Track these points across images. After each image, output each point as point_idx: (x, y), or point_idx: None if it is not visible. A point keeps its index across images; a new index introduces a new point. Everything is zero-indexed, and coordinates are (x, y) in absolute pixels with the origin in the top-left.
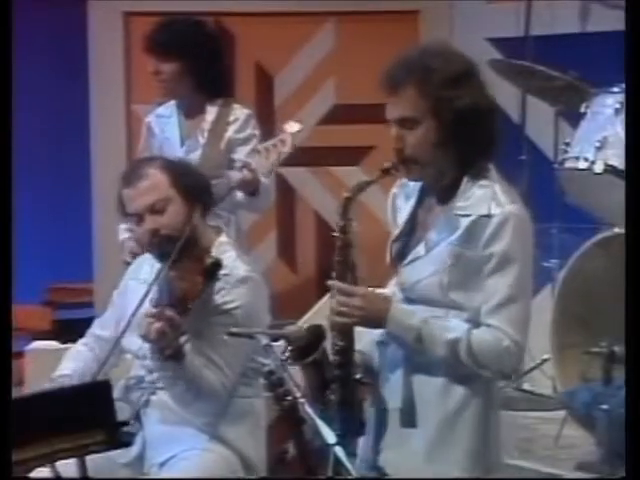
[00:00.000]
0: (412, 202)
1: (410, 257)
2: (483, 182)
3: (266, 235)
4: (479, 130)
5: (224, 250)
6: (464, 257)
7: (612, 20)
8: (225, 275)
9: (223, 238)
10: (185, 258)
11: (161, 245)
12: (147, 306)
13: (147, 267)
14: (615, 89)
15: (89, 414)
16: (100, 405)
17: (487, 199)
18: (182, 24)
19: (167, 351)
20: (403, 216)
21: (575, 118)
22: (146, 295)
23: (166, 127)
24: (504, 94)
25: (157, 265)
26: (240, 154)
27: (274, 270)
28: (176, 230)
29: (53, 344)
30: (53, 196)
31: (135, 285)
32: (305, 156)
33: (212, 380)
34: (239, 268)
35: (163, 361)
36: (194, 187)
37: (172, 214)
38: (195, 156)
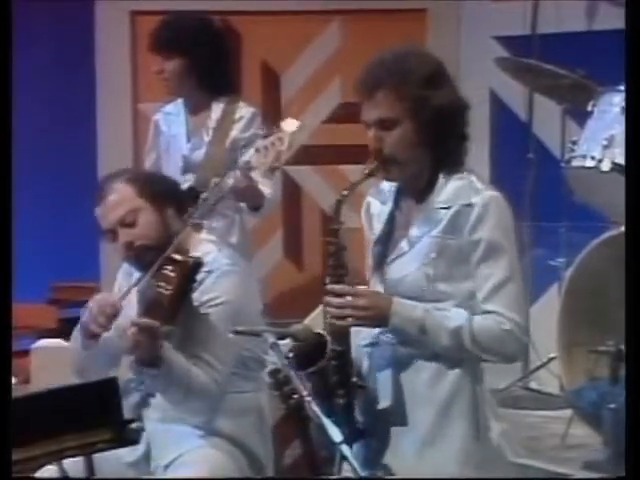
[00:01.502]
0: (389, 206)
1: (394, 255)
2: (458, 175)
3: (272, 234)
4: (455, 127)
5: (204, 247)
6: (449, 247)
7: (618, 18)
8: (207, 272)
9: (203, 235)
10: (164, 262)
11: (138, 256)
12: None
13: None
14: (622, 87)
15: (96, 412)
16: (107, 403)
17: (466, 189)
18: (185, 22)
19: (143, 358)
20: (381, 221)
21: (582, 116)
22: (122, 298)
23: (173, 124)
24: (511, 92)
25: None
26: (244, 157)
27: (280, 269)
28: (151, 239)
29: (59, 342)
30: (59, 195)
31: (126, 286)
32: (311, 154)
33: (203, 378)
34: (220, 262)
35: (140, 368)
36: (162, 192)
37: (144, 224)
38: (200, 154)
